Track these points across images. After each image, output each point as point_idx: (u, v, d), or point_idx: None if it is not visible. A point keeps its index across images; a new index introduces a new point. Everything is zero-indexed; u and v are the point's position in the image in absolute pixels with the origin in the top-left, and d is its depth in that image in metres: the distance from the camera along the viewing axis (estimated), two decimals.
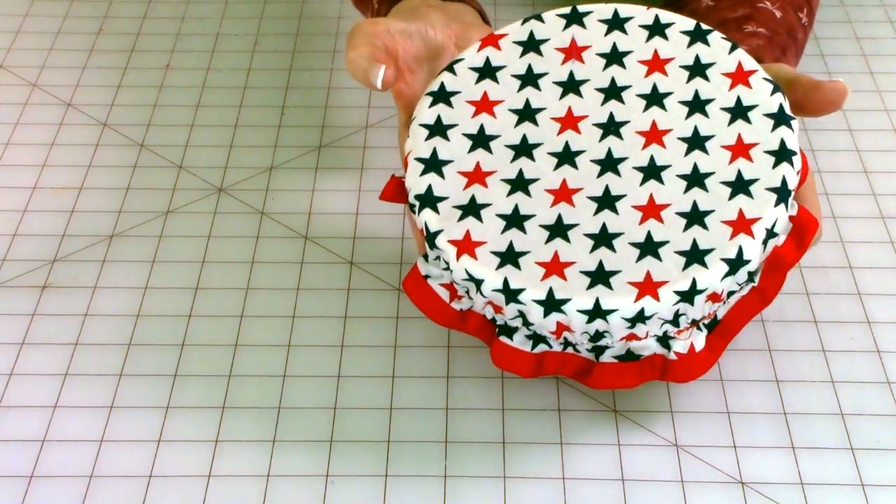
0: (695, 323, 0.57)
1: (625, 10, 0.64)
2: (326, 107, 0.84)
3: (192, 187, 0.77)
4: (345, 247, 0.73)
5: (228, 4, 0.95)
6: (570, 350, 0.59)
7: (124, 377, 0.65)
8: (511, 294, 0.55)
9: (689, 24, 0.63)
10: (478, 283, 0.56)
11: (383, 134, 0.81)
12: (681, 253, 0.55)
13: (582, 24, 0.64)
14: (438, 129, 0.61)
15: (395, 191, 0.61)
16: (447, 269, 0.58)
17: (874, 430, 0.62)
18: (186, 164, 0.79)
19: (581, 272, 0.55)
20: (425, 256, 0.60)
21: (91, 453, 0.61)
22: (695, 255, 0.55)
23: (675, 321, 0.56)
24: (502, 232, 0.57)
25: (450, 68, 0.64)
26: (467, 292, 0.59)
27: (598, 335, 0.56)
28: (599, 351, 0.58)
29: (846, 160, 0.79)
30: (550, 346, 0.59)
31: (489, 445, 0.61)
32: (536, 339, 0.58)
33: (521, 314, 0.56)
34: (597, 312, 0.54)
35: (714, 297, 0.56)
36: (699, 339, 0.58)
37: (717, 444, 0.61)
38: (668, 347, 0.57)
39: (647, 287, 0.54)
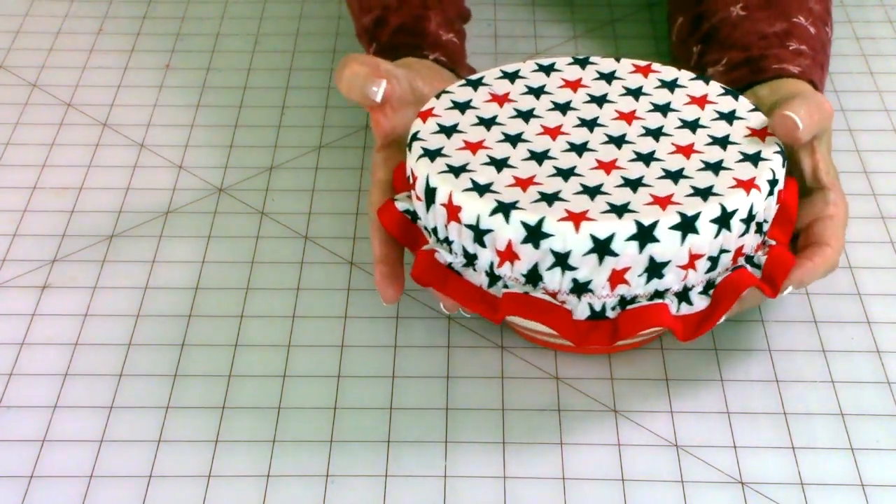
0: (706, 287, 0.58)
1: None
2: (326, 107, 0.84)
3: (192, 187, 0.77)
4: (345, 247, 0.73)
5: (228, 4, 0.95)
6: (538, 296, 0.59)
7: (124, 377, 0.65)
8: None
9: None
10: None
11: None
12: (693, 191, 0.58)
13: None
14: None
15: (395, 222, 0.62)
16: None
17: (874, 430, 0.62)
18: (186, 164, 0.79)
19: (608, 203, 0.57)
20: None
21: (91, 453, 0.61)
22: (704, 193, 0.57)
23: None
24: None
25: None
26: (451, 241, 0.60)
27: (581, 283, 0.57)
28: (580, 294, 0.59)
29: (846, 160, 0.79)
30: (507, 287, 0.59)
31: (489, 445, 0.61)
32: (493, 278, 0.59)
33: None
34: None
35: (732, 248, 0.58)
36: (698, 301, 0.59)
37: (717, 444, 0.61)
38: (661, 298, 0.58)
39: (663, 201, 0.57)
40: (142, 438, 0.61)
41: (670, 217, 0.56)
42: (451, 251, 0.60)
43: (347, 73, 0.65)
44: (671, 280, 0.58)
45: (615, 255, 0.56)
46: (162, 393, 0.64)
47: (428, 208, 0.59)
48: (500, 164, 0.60)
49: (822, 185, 0.64)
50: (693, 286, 0.59)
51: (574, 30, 0.92)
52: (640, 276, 0.57)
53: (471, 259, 0.59)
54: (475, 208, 0.57)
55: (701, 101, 0.64)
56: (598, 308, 0.58)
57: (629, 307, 0.58)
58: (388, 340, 0.67)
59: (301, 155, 0.80)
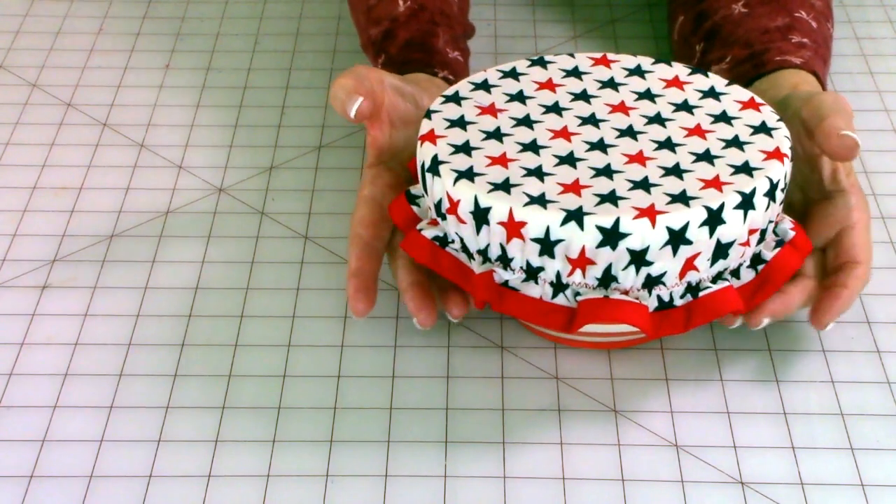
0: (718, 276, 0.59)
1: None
2: (326, 107, 0.84)
3: (192, 187, 0.77)
4: (345, 247, 0.73)
5: (228, 4, 0.95)
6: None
7: (124, 377, 0.65)
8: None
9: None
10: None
11: None
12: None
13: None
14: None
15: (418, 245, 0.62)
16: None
17: (874, 430, 0.62)
18: (186, 164, 0.79)
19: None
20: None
21: (91, 453, 0.61)
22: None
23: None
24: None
25: None
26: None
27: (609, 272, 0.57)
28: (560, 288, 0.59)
29: None
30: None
31: (489, 445, 0.61)
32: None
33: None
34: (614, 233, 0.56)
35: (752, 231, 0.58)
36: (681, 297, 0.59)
37: (717, 444, 0.61)
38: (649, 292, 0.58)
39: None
40: (142, 438, 0.61)
41: (733, 197, 0.57)
42: (506, 268, 0.59)
43: (336, 84, 0.64)
44: (733, 259, 0.59)
45: (690, 243, 0.56)
46: (162, 393, 0.64)
47: (479, 229, 0.58)
48: (538, 173, 0.59)
49: (842, 187, 0.63)
50: (745, 262, 0.60)
51: (574, 30, 0.92)
52: (707, 259, 0.58)
53: (534, 273, 0.58)
54: (543, 220, 0.56)
55: (676, 83, 0.65)
56: (666, 299, 0.58)
57: (701, 294, 0.58)
58: (388, 340, 0.67)
59: (301, 155, 0.80)
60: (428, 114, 0.64)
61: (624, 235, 0.56)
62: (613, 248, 0.56)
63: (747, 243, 0.59)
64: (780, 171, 0.59)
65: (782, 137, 0.61)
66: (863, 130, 0.81)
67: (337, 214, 0.75)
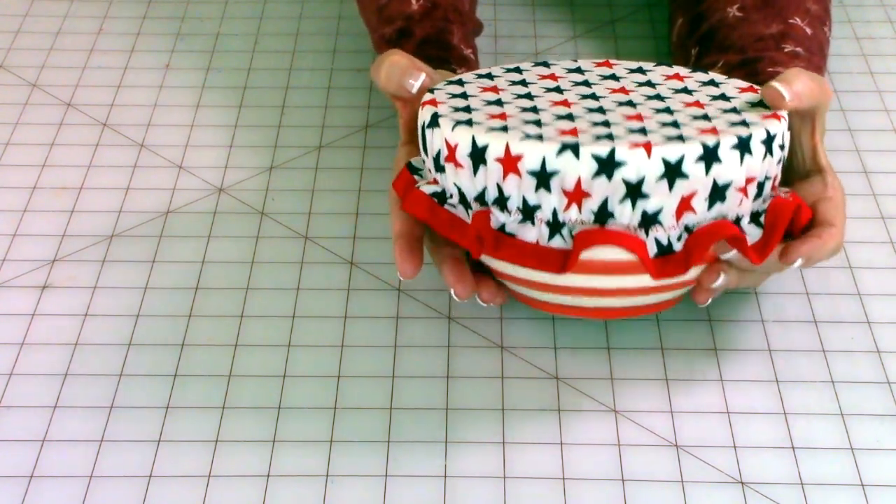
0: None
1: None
2: (326, 107, 0.84)
3: (192, 187, 0.77)
4: (345, 247, 0.73)
5: (228, 4, 0.95)
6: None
7: (124, 377, 0.65)
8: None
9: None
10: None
11: (383, 134, 0.81)
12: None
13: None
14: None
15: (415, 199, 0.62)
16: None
17: (874, 430, 0.62)
18: (186, 164, 0.79)
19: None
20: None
21: (91, 453, 0.61)
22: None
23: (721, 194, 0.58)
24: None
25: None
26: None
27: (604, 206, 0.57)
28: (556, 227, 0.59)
29: (846, 160, 0.79)
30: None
31: (489, 445, 0.61)
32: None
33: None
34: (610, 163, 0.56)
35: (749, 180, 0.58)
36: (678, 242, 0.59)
37: (717, 444, 0.61)
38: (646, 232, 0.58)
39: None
40: (142, 438, 0.61)
41: (730, 138, 0.57)
42: (503, 210, 0.59)
43: (388, 62, 0.65)
44: (731, 205, 0.58)
45: (685, 177, 0.56)
46: (162, 393, 0.64)
47: (476, 171, 0.59)
48: (537, 123, 0.59)
49: (821, 166, 0.64)
50: (743, 216, 0.59)
51: (574, 30, 0.92)
52: (705, 200, 0.58)
53: (530, 212, 0.58)
54: (540, 151, 0.57)
55: (677, 77, 0.65)
56: (664, 242, 0.58)
57: (695, 228, 0.58)
58: (388, 340, 0.67)
59: (301, 155, 0.80)
60: (431, 91, 0.64)
61: (620, 164, 0.56)
62: (609, 178, 0.56)
63: (745, 191, 0.58)
64: (779, 127, 0.59)
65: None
66: (863, 130, 0.81)
67: (337, 214, 0.75)
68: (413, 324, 0.68)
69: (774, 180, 0.61)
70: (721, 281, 0.61)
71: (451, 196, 0.61)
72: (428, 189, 0.61)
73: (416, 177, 0.63)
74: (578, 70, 0.67)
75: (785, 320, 0.68)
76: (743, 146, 0.57)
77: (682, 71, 0.66)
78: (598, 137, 0.57)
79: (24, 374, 0.65)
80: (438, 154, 0.60)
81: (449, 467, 0.60)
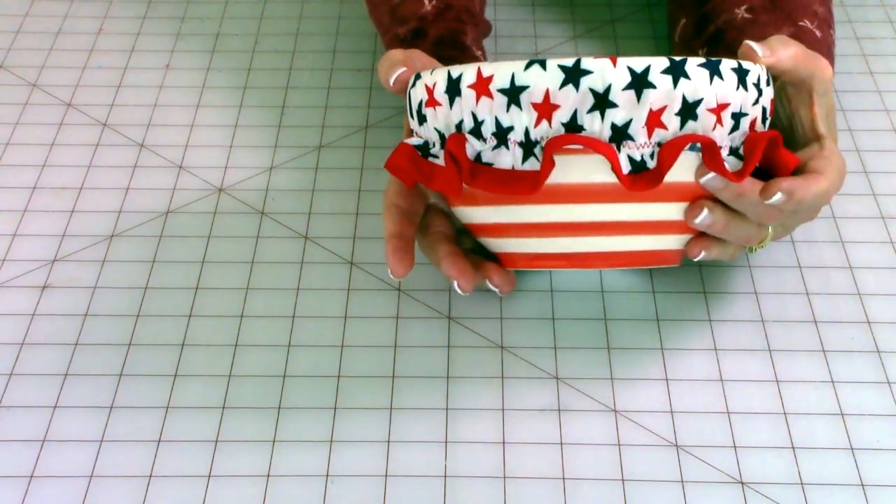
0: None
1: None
2: (326, 107, 0.84)
3: (192, 187, 0.77)
4: (345, 247, 0.73)
5: (228, 4, 0.95)
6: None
7: (124, 377, 0.65)
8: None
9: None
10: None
11: (383, 134, 0.81)
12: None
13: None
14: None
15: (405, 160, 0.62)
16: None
17: (874, 430, 0.62)
18: (186, 164, 0.79)
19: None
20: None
21: (91, 453, 0.61)
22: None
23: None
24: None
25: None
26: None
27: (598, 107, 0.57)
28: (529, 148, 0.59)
29: (846, 160, 0.79)
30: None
31: (489, 445, 0.61)
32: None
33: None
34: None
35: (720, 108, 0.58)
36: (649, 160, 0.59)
37: (717, 444, 0.61)
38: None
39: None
40: (142, 438, 0.61)
41: (697, 59, 0.58)
42: (479, 139, 0.60)
43: (386, 55, 0.66)
44: (703, 125, 0.58)
45: (653, 86, 0.57)
46: (162, 393, 0.64)
47: (452, 103, 0.60)
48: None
49: (819, 133, 0.64)
50: (721, 147, 0.59)
51: (574, 30, 0.92)
52: (675, 115, 0.58)
53: (503, 135, 0.59)
54: (508, 68, 0.58)
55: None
56: (637, 158, 0.58)
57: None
58: (388, 340, 0.67)
59: (301, 155, 0.80)
60: (418, 76, 0.65)
61: (585, 72, 0.57)
62: (576, 87, 0.57)
63: (717, 115, 0.58)
64: (753, 68, 0.60)
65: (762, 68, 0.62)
66: (863, 130, 0.81)
67: (337, 214, 0.75)
68: (413, 324, 0.68)
69: (753, 123, 0.61)
70: (705, 216, 0.60)
71: (433, 145, 0.62)
72: (412, 142, 0.62)
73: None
74: None
75: (785, 320, 0.68)
76: (712, 67, 0.58)
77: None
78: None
79: (24, 374, 0.65)
80: (420, 105, 0.61)
81: (449, 467, 0.60)
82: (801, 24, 0.72)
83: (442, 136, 0.61)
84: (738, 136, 0.60)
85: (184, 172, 0.78)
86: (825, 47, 0.72)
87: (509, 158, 0.59)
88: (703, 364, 0.65)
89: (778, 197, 0.59)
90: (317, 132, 0.82)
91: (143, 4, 0.95)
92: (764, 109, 0.61)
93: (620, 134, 0.58)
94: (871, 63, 0.88)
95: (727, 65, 0.59)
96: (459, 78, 0.59)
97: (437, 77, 0.60)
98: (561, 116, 0.58)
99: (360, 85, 0.86)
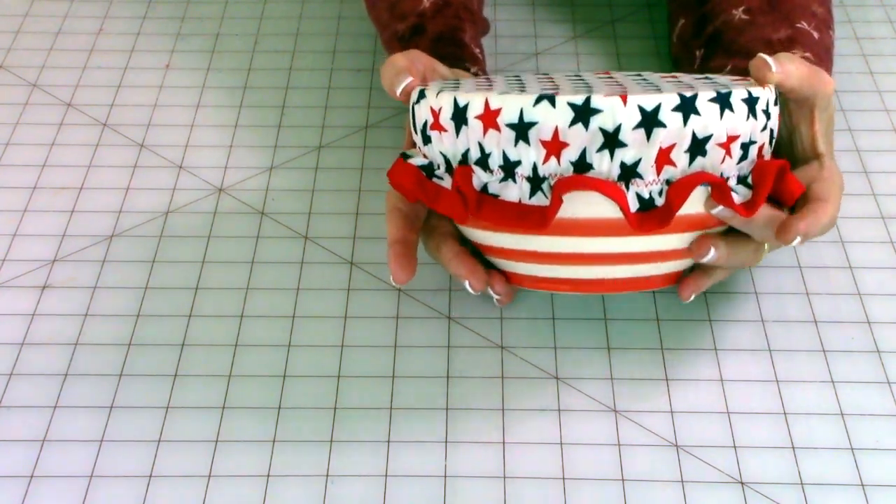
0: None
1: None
2: (326, 107, 0.84)
3: (192, 187, 0.77)
4: (345, 247, 0.73)
5: (228, 4, 0.95)
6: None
7: (124, 377, 0.65)
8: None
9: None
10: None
11: (383, 134, 0.81)
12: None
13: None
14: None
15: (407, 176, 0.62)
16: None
17: (874, 430, 0.62)
18: (186, 164, 0.79)
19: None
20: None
21: (91, 453, 0.61)
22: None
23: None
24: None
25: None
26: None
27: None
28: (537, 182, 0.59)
29: (846, 160, 0.79)
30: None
31: (489, 445, 0.61)
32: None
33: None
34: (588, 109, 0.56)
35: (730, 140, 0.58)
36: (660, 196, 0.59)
37: (717, 444, 0.61)
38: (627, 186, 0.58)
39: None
40: (142, 438, 0.61)
41: (708, 92, 0.57)
42: (486, 171, 0.59)
43: (389, 61, 0.65)
44: (712, 160, 0.58)
45: (663, 125, 0.56)
46: (162, 393, 0.64)
47: (458, 131, 0.59)
48: (521, 88, 0.60)
49: (819, 152, 0.64)
50: (729, 177, 0.59)
51: (574, 30, 0.92)
52: (685, 152, 0.57)
53: (510, 169, 0.58)
54: (517, 103, 0.57)
55: (671, 76, 0.65)
56: (645, 196, 0.58)
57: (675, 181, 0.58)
58: (388, 340, 0.67)
59: (301, 155, 0.80)
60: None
61: (595, 111, 0.56)
62: (586, 126, 0.56)
63: (727, 149, 0.58)
64: (761, 92, 0.59)
65: (768, 89, 0.61)
66: (863, 130, 0.81)
67: (337, 214, 0.75)
68: (413, 324, 0.68)
69: (761, 149, 0.61)
70: (711, 255, 0.60)
71: (438, 167, 0.61)
72: (416, 161, 0.62)
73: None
74: (578, 76, 0.67)
75: (785, 320, 0.68)
76: (722, 101, 0.57)
77: (685, 78, 0.66)
78: (577, 91, 0.58)
79: (24, 374, 0.65)
80: (425, 125, 0.61)
81: (449, 467, 0.60)
82: (798, 25, 0.72)
83: (447, 160, 0.61)
84: (747, 165, 0.60)
85: (184, 172, 0.78)
86: (823, 49, 0.72)
87: (516, 192, 0.59)
88: (703, 364, 0.65)
89: (797, 241, 0.60)
90: (317, 132, 0.82)
91: (143, 4, 0.95)
92: (772, 131, 0.61)
93: (629, 172, 0.57)
94: (871, 63, 0.88)
95: (738, 96, 0.58)
96: (466, 107, 0.58)
97: (443, 102, 0.60)
98: (570, 155, 0.57)
99: (360, 85, 0.86)
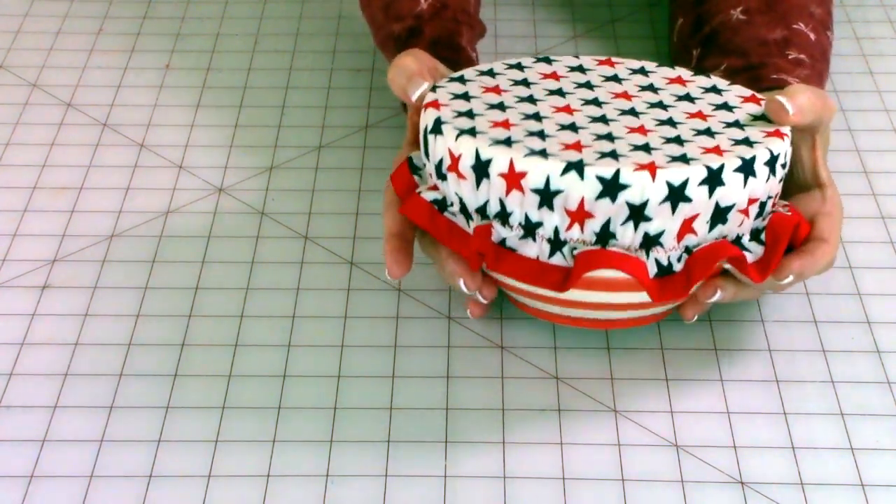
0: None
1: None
2: (326, 107, 0.84)
3: (192, 187, 0.77)
4: (345, 247, 0.73)
5: (228, 4, 0.95)
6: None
7: (124, 377, 0.65)
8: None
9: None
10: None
11: (383, 134, 0.81)
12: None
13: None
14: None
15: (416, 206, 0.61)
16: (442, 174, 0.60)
17: (874, 430, 0.62)
18: (186, 164, 0.79)
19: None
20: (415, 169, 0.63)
21: (91, 453, 0.61)
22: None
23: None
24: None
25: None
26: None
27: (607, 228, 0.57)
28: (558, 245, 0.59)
29: (846, 160, 0.79)
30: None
31: (489, 445, 0.61)
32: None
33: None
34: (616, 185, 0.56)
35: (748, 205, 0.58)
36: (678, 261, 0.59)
37: (717, 444, 0.61)
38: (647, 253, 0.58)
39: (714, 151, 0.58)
40: (142, 438, 0.61)
41: (733, 161, 0.57)
42: (504, 225, 0.59)
43: (397, 65, 0.65)
44: (731, 226, 0.58)
45: (689, 200, 0.56)
46: (162, 393, 0.64)
47: (479, 184, 0.58)
48: (540, 135, 0.59)
49: (821, 181, 0.64)
50: (743, 234, 0.59)
51: (574, 30, 0.92)
52: (706, 222, 0.57)
53: (532, 229, 0.58)
54: (544, 170, 0.56)
55: (679, 81, 0.65)
56: (664, 263, 0.58)
57: (695, 249, 0.58)
58: (388, 340, 0.67)
59: (301, 155, 0.80)
60: (433, 88, 0.64)
61: (624, 187, 0.55)
62: (613, 200, 0.56)
63: (746, 212, 0.59)
64: (781, 146, 0.59)
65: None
66: (863, 130, 0.81)
67: (337, 214, 0.75)
68: (413, 324, 0.68)
69: (775, 197, 0.61)
70: (717, 297, 0.61)
71: (452, 204, 0.61)
72: (429, 195, 0.61)
73: (415, 177, 0.63)
74: (580, 69, 0.66)
75: (785, 320, 0.68)
76: (747, 168, 0.57)
77: (685, 74, 0.66)
78: (602, 155, 0.57)
79: (24, 374, 0.65)
80: (441, 162, 0.60)
81: (449, 467, 0.60)
82: (794, 26, 0.72)
83: (462, 202, 0.60)
84: (762, 219, 0.60)
85: (184, 172, 0.78)
86: (819, 50, 0.72)
87: (535, 250, 0.59)
88: (703, 364, 0.65)
89: (790, 279, 0.60)
90: (317, 132, 0.82)
91: (143, 4, 0.95)
92: (783, 177, 0.61)
93: (651, 241, 0.57)
94: (871, 63, 0.88)
95: (761, 159, 0.58)
96: (489, 162, 0.57)
97: (463, 148, 0.58)
98: (594, 226, 0.57)
99: (360, 85, 0.86)
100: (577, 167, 0.56)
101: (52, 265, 0.72)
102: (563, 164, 0.56)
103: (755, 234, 0.60)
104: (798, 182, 0.65)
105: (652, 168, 0.56)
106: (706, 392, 0.64)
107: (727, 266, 0.60)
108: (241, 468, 0.60)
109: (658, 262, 0.58)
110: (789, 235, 0.59)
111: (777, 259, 0.59)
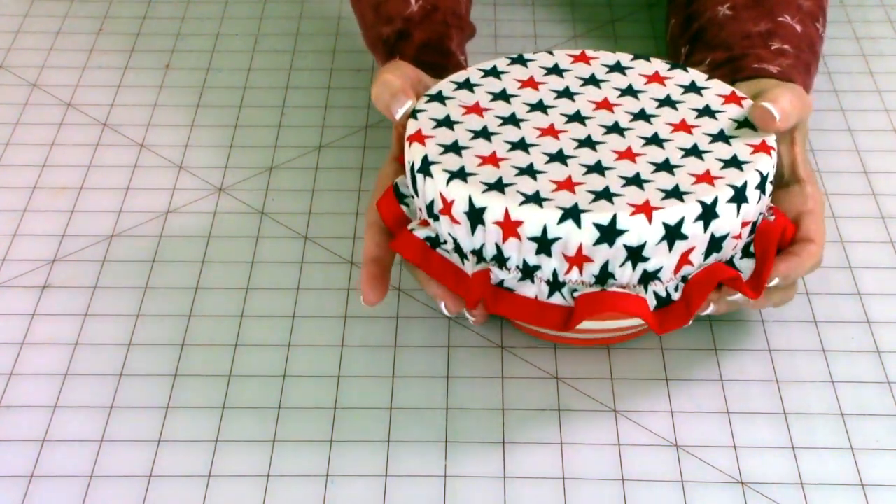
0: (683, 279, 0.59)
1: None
2: (326, 107, 0.84)
3: (192, 187, 0.77)
4: (345, 247, 0.73)
5: (228, 4, 0.95)
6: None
7: (124, 377, 0.65)
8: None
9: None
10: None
11: (383, 134, 0.81)
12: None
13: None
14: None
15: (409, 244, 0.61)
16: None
17: (874, 430, 0.62)
18: (186, 164, 0.79)
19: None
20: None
21: (91, 453, 0.61)
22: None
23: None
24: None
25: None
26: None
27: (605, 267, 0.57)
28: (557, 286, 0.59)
29: (846, 160, 0.79)
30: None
31: (489, 445, 0.61)
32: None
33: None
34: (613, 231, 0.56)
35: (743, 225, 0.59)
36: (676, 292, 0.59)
37: (717, 444, 0.61)
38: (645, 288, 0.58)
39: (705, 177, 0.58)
40: (142, 438, 0.61)
41: (725, 191, 0.57)
42: (501, 268, 0.59)
43: (381, 80, 0.64)
44: (726, 252, 0.59)
45: (685, 238, 0.56)
46: (162, 393, 0.64)
47: (473, 230, 0.58)
48: (530, 172, 0.59)
49: (800, 177, 0.64)
50: (735, 254, 0.60)
51: (574, 30, 0.92)
52: (702, 254, 0.58)
53: (530, 272, 0.58)
54: (540, 219, 0.56)
55: (657, 79, 0.65)
56: (663, 294, 0.58)
57: (691, 276, 0.59)
58: (388, 340, 0.67)
59: (301, 155, 0.80)
60: (414, 113, 0.63)
61: (621, 232, 0.56)
62: (611, 244, 0.56)
63: (739, 236, 0.59)
64: (769, 164, 0.59)
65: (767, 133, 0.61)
66: (863, 130, 0.81)
67: (337, 214, 0.75)
68: (413, 324, 0.68)
69: (765, 211, 0.61)
70: (711, 310, 0.62)
71: (445, 242, 0.60)
72: (421, 233, 0.61)
73: (403, 206, 0.63)
74: (557, 70, 0.66)
75: (785, 320, 0.68)
76: (739, 196, 0.57)
77: (661, 68, 0.66)
78: (596, 196, 0.57)
79: (24, 374, 0.65)
80: (432, 203, 0.60)
81: (449, 467, 0.60)
82: (780, 19, 0.72)
83: (457, 244, 0.60)
84: (750, 235, 0.61)
85: (184, 172, 0.78)
86: (806, 42, 0.72)
87: (534, 291, 0.59)
88: (703, 364, 0.65)
89: (776, 282, 0.61)
90: (317, 132, 0.82)
91: (143, 4, 0.95)
92: (770, 191, 0.61)
93: (650, 277, 0.58)
94: (871, 63, 0.88)
95: (752, 184, 0.58)
96: (483, 210, 0.57)
97: (455, 195, 0.58)
98: (592, 269, 0.57)
99: (359, 85, 0.86)
100: (574, 215, 0.56)
101: (52, 265, 0.72)
102: (560, 213, 0.56)
103: (745, 248, 0.61)
104: (778, 179, 0.65)
105: (648, 211, 0.56)
106: (706, 392, 0.64)
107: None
108: (241, 468, 0.60)
109: (657, 295, 0.58)
110: (776, 243, 0.60)
111: (768, 270, 0.60)
